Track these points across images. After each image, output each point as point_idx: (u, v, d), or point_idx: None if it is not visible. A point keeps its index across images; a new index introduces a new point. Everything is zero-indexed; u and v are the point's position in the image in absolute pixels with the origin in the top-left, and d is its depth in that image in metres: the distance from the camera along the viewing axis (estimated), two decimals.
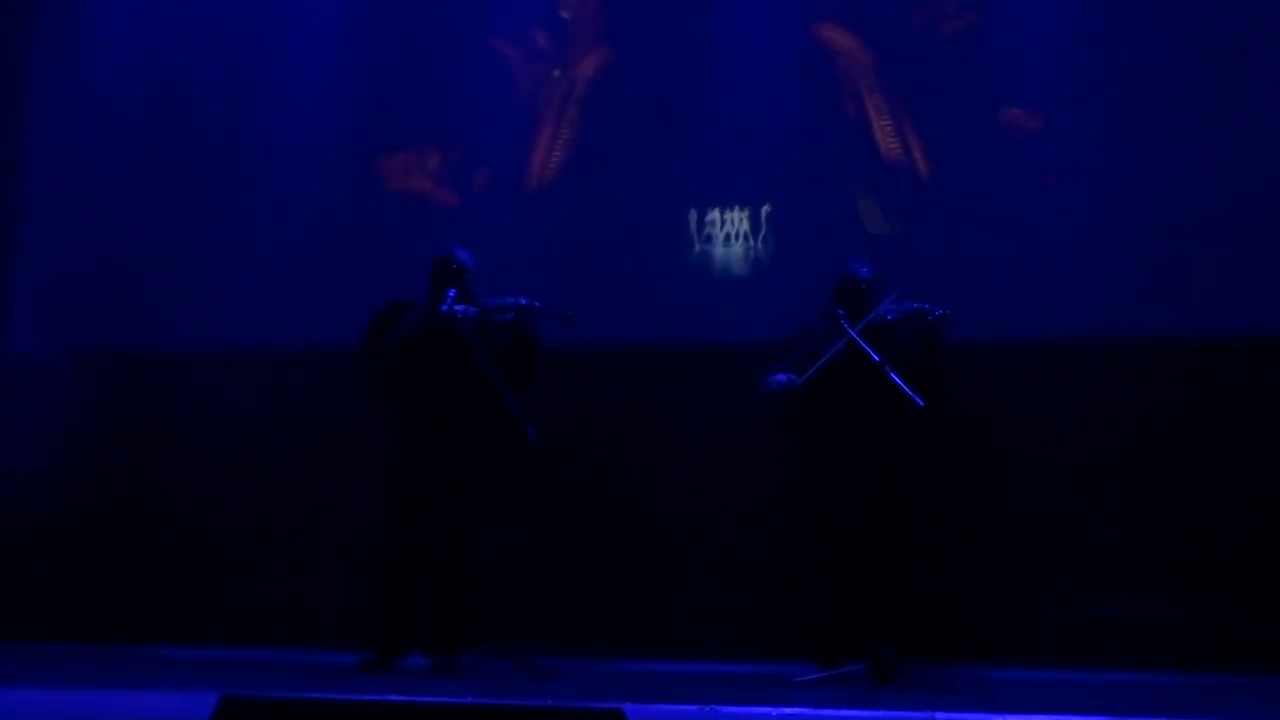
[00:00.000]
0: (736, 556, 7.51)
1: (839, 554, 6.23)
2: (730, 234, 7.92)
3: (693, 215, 7.98)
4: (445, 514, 6.41)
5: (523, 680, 6.10)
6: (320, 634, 7.36)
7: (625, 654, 7.23)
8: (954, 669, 6.43)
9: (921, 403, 5.97)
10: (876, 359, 6.07)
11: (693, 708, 5.05)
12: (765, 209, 7.90)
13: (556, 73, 8.25)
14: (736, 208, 7.92)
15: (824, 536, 6.27)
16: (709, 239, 7.94)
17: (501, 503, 6.40)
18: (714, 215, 7.95)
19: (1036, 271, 7.53)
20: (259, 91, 8.39)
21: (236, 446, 8.00)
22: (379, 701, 4.79)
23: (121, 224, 8.38)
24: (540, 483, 7.11)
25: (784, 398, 6.29)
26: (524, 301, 6.43)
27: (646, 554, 7.68)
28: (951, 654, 6.77)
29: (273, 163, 8.29)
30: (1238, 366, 7.35)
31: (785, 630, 6.74)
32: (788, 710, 5.05)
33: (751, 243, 7.90)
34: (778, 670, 6.39)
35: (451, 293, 6.43)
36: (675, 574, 7.65)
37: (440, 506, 6.40)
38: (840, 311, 6.32)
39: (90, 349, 8.18)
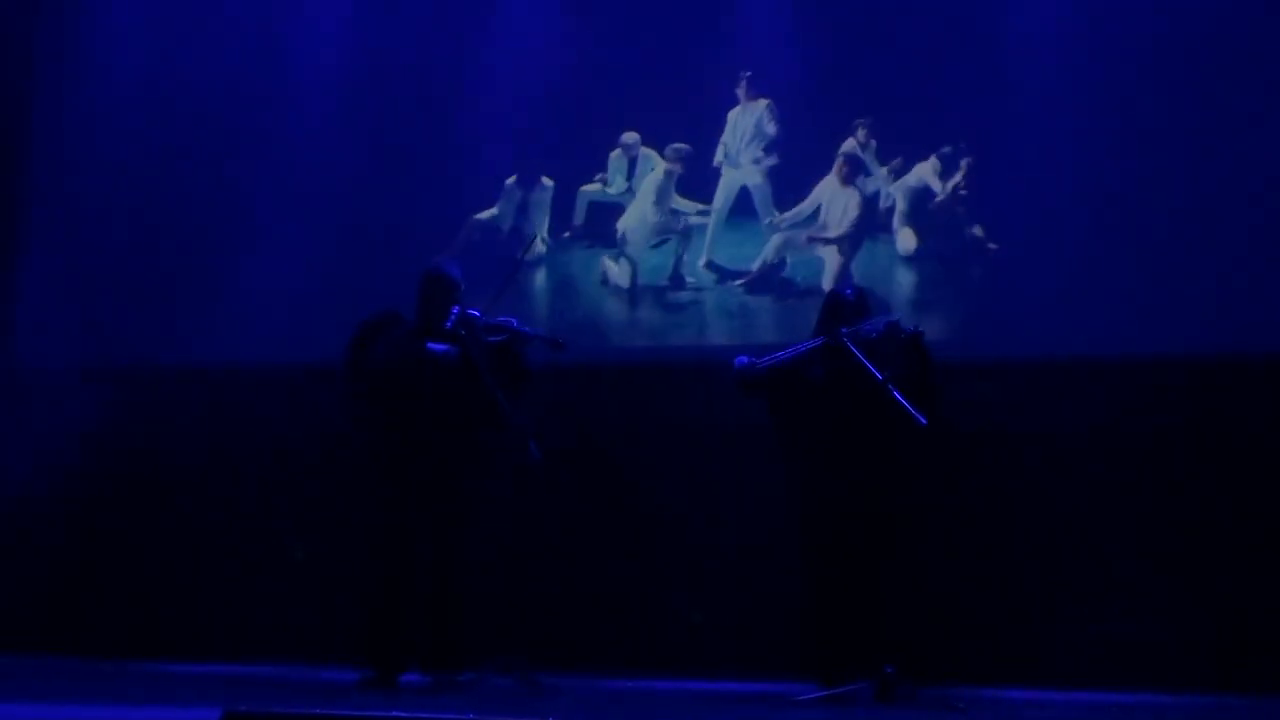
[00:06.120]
0: (739, 574, 7.50)
1: (840, 572, 6.21)
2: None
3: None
4: (433, 530, 6.41)
5: (523, 697, 6.10)
6: (324, 651, 7.36)
7: (626, 671, 7.22)
8: (957, 689, 6.41)
9: (924, 421, 5.95)
10: (880, 377, 6.05)
11: None
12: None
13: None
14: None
15: (824, 555, 6.25)
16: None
17: (500, 518, 6.41)
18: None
19: (1042, 292, 7.52)
20: (269, 105, 8.43)
21: (243, 462, 8.02)
22: (381, 717, 4.80)
23: (127, 238, 8.42)
24: (540, 498, 7.11)
25: (744, 378, 6.36)
26: (516, 325, 6.47)
27: (648, 571, 7.67)
28: (955, 674, 6.75)
29: (283, 176, 8.32)
30: (1247, 386, 7.32)
31: (788, 648, 6.71)
32: None
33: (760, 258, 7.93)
34: (780, 689, 6.37)
35: (455, 309, 6.44)
36: (677, 591, 7.64)
37: (428, 523, 6.40)
38: (844, 330, 6.31)
39: (97, 363, 8.20)
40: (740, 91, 8.00)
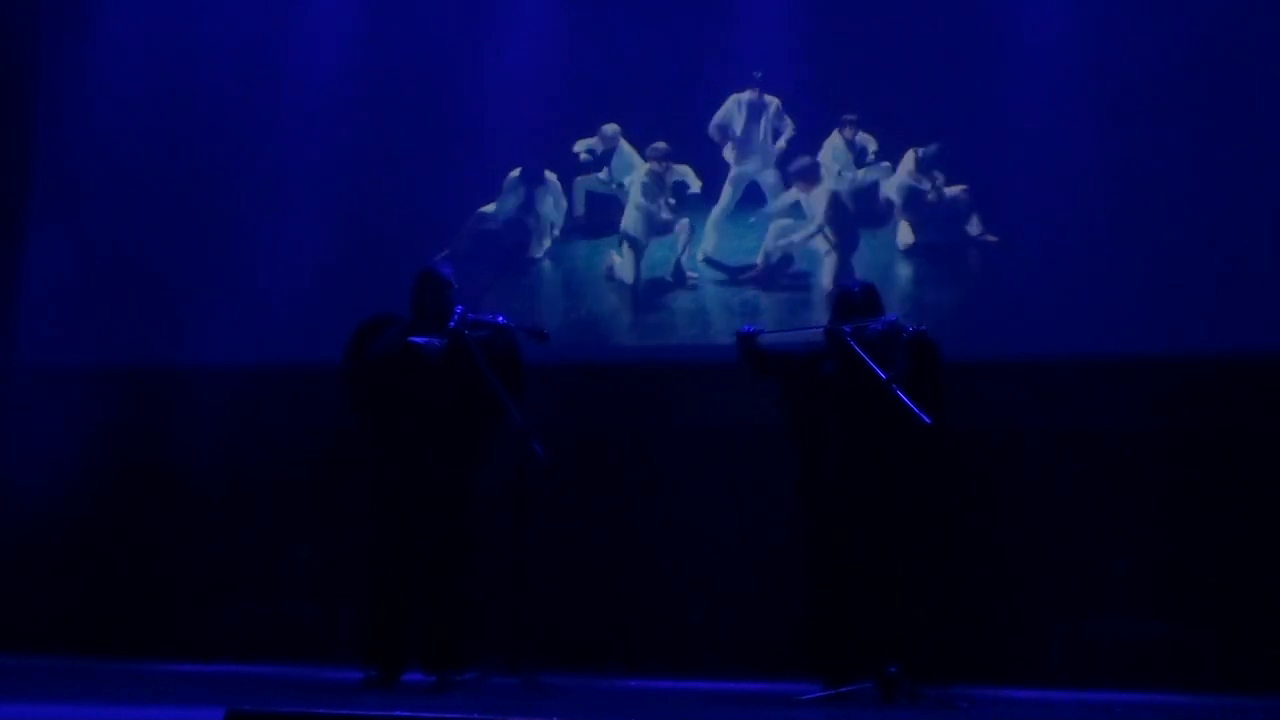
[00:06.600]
0: (742, 574, 7.52)
1: (844, 572, 6.21)
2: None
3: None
4: (434, 529, 6.40)
5: (525, 697, 6.09)
6: (327, 650, 7.38)
7: (631, 672, 7.23)
8: (961, 689, 6.41)
9: (929, 420, 5.94)
10: (884, 376, 6.05)
11: None
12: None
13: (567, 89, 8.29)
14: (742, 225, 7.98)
15: (829, 554, 6.25)
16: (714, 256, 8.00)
17: (501, 517, 6.41)
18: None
19: (1042, 289, 7.53)
20: (269, 106, 8.45)
21: (246, 462, 8.02)
22: (384, 716, 4.80)
23: (132, 239, 8.42)
24: (542, 496, 7.11)
25: (745, 346, 6.35)
26: (500, 320, 6.46)
27: (651, 570, 7.69)
28: (959, 674, 6.76)
29: (283, 178, 8.33)
30: (1247, 386, 7.34)
31: (792, 648, 6.72)
32: None
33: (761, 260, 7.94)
34: (784, 689, 6.37)
35: (460, 309, 6.44)
36: (680, 591, 7.65)
37: (429, 522, 6.40)
38: (846, 328, 6.31)
39: (101, 364, 8.20)
40: (752, 90, 8.00)
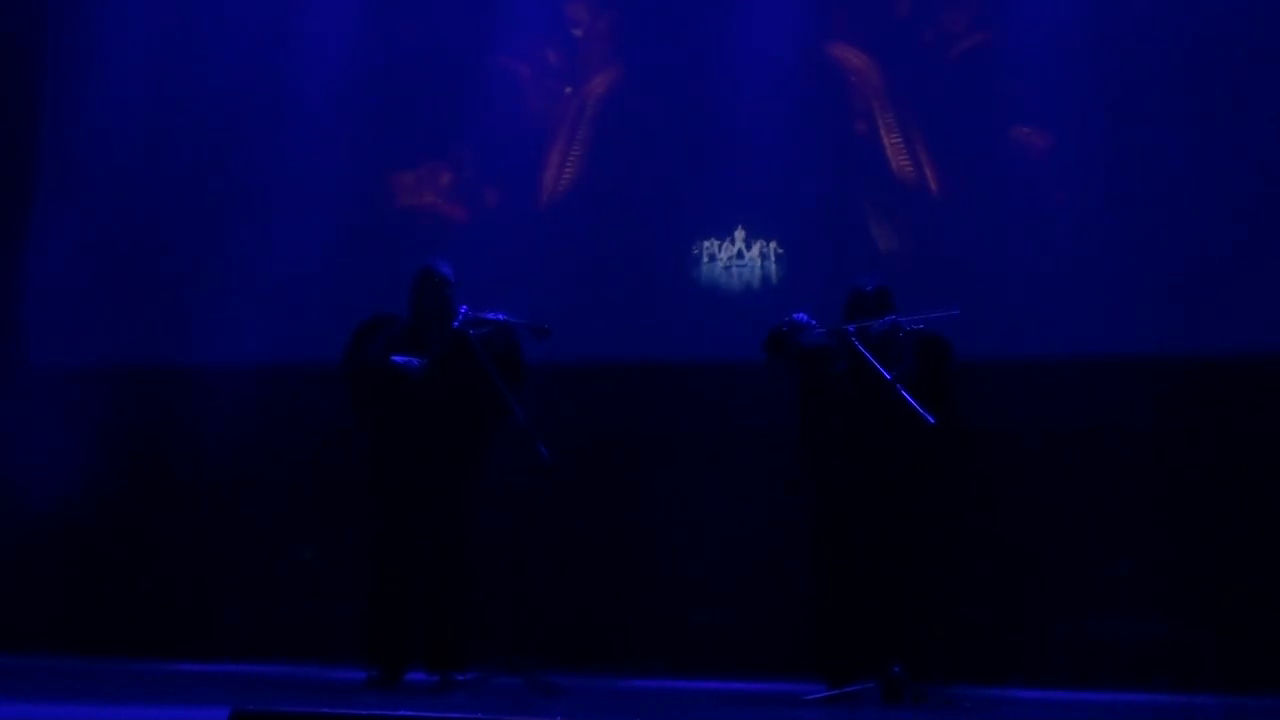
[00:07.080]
0: (745, 574, 7.51)
1: (847, 572, 6.21)
2: (739, 253, 7.94)
3: (702, 233, 8.01)
4: (435, 529, 6.40)
5: (529, 697, 6.09)
6: (330, 650, 7.37)
7: (634, 671, 7.23)
8: (964, 689, 6.42)
9: (932, 420, 5.95)
10: (889, 377, 6.06)
11: None
12: (774, 237, 7.93)
13: (568, 90, 8.28)
14: (745, 227, 7.94)
15: (832, 555, 6.26)
16: (715, 258, 7.96)
17: (504, 517, 6.41)
18: (724, 235, 7.98)
19: (1047, 288, 7.54)
20: (272, 107, 8.43)
21: (248, 462, 8.01)
22: (389, 716, 4.80)
23: (134, 238, 8.41)
24: (545, 497, 7.12)
25: (789, 334, 6.31)
26: (501, 317, 6.45)
27: (653, 571, 7.68)
28: (962, 674, 6.77)
29: (286, 178, 8.31)
30: (1247, 386, 7.35)
31: (794, 648, 6.72)
32: None
33: (759, 262, 7.92)
34: (788, 689, 6.38)
35: (464, 309, 6.43)
36: (682, 591, 7.65)
37: (429, 521, 6.39)
38: (850, 328, 6.31)
39: (103, 363, 8.20)
40: None
